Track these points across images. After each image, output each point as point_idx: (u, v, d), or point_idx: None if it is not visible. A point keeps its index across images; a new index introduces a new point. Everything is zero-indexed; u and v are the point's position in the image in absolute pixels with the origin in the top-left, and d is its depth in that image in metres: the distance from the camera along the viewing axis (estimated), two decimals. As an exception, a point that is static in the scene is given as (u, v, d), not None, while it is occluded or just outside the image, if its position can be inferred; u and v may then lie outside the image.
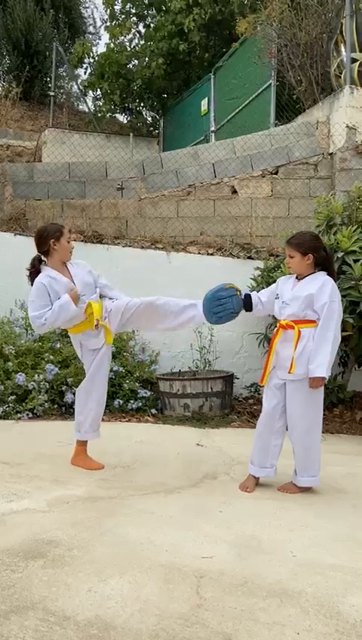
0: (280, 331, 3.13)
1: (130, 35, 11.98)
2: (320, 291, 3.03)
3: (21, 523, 2.61)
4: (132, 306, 3.51)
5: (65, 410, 5.01)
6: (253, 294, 3.32)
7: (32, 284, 3.37)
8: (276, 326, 3.22)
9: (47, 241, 3.38)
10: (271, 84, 8.07)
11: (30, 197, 7.00)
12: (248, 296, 3.28)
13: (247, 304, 3.26)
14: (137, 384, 5.26)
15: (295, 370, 3.03)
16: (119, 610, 1.89)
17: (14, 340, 5.32)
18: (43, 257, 3.45)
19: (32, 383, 4.95)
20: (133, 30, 11.97)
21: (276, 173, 6.71)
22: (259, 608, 1.93)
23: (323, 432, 3.41)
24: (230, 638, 1.76)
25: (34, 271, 3.41)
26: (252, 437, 3.29)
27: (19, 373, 4.98)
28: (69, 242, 3.46)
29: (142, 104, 12.23)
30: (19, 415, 4.87)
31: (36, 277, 3.38)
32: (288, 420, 3.15)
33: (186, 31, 10.28)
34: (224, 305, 3.21)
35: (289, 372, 3.04)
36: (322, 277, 3.10)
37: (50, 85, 11.29)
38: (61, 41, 11.87)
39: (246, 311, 3.28)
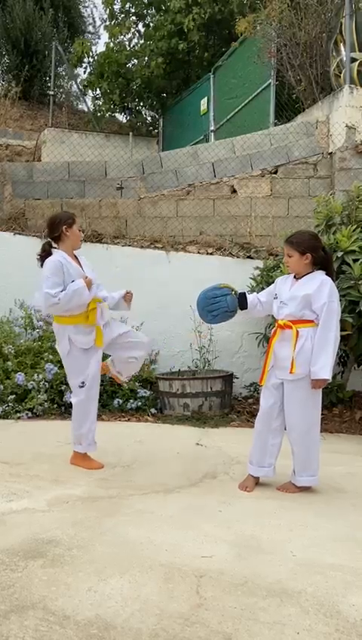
0: (278, 331, 3.14)
1: (130, 35, 11.97)
2: (319, 291, 3.02)
3: (21, 522, 2.61)
4: (124, 335, 3.59)
5: (65, 410, 5.00)
6: (251, 294, 3.33)
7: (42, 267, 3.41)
8: (275, 326, 3.22)
9: (59, 226, 3.44)
10: (270, 83, 8.07)
11: (29, 196, 6.99)
12: (243, 295, 3.28)
13: (242, 303, 3.26)
14: (137, 384, 5.26)
15: (296, 370, 3.03)
16: (119, 610, 1.89)
17: (14, 340, 5.32)
18: (54, 243, 3.49)
19: (32, 382, 4.95)
20: (133, 29, 11.96)
21: (275, 173, 6.71)
22: (259, 608, 1.93)
23: (322, 432, 3.41)
24: (230, 637, 1.76)
25: (44, 255, 3.43)
26: (251, 436, 3.29)
27: (19, 373, 4.98)
28: (80, 231, 3.52)
29: (141, 103, 12.21)
30: (18, 415, 4.87)
31: (43, 262, 3.41)
32: (286, 420, 3.15)
33: (186, 30, 10.27)
34: (219, 303, 3.21)
35: (290, 372, 3.04)
36: (320, 277, 3.09)
37: (49, 85, 11.27)
38: (60, 40, 11.85)
39: (242, 309, 3.27)
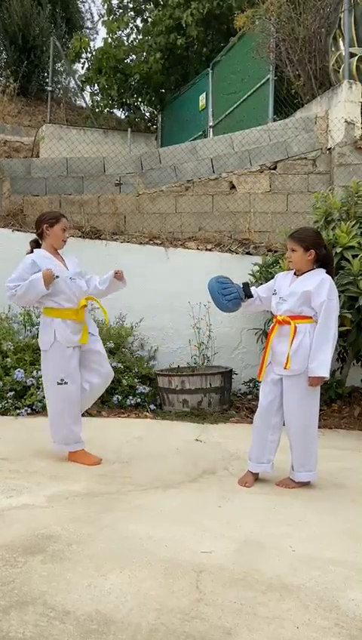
0: (277, 327, 3.14)
1: (128, 30, 11.94)
2: (319, 289, 3.03)
3: (20, 518, 2.61)
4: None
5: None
6: (251, 287, 3.33)
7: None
8: (273, 322, 3.23)
9: (40, 225, 3.58)
10: (269, 78, 8.05)
11: (28, 193, 6.98)
12: (246, 285, 3.30)
13: (247, 291, 3.27)
14: (136, 380, 5.26)
15: (291, 365, 3.04)
16: (119, 605, 1.89)
17: (13, 336, 5.32)
18: (40, 240, 3.63)
19: (31, 379, 4.95)
20: (131, 25, 11.92)
21: (274, 169, 6.69)
22: (259, 602, 1.94)
23: (321, 428, 3.42)
24: (229, 632, 1.76)
25: (30, 252, 3.61)
26: (250, 432, 3.29)
27: (18, 370, 4.97)
28: (64, 231, 3.57)
29: (139, 99, 12.18)
30: (18, 411, 4.87)
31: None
32: (285, 415, 3.15)
33: (184, 25, 10.24)
34: (230, 289, 3.23)
35: (284, 368, 3.05)
36: (321, 274, 3.10)
37: (47, 80, 11.23)
38: (58, 36, 11.81)
39: (247, 297, 3.27)
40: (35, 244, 3.63)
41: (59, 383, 3.46)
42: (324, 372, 2.99)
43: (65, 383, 3.46)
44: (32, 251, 3.60)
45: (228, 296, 3.21)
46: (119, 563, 2.19)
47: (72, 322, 3.48)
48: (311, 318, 3.07)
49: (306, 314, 3.08)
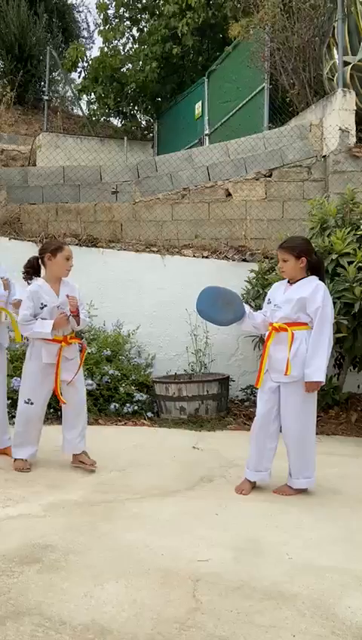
0: (273, 334, 3.15)
1: (124, 39, 12.01)
2: (313, 295, 3.06)
3: (17, 528, 2.60)
4: None
5: (61, 415, 4.98)
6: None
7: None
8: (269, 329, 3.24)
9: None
10: (264, 87, 8.11)
11: (24, 201, 7.00)
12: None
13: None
14: (133, 387, 5.25)
15: (291, 371, 3.04)
16: (115, 615, 1.89)
17: (9, 345, 5.31)
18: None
19: (28, 387, 4.94)
20: (127, 34, 12.00)
21: (270, 176, 6.73)
22: (256, 611, 1.93)
23: (318, 434, 3.42)
24: (226, 641, 1.76)
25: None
26: (248, 439, 3.29)
27: (15, 378, 4.96)
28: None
29: (136, 108, 12.23)
30: (14, 420, 4.85)
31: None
32: (282, 422, 3.16)
33: (180, 35, 10.30)
34: (235, 298, 3.25)
35: (285, 374, 3.05)
36: (314, 281, 3.13)
37: (44, 89, 11.28)
38: (55, 45, 11.88)
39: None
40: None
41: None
42: (320, 377, 3.00)
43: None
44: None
45: (236, 304, 3.21)
46: (116, 572, 2.19)
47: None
48: (306, 324, 3.09)
49: (302, 320, 3.09)
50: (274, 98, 8.20)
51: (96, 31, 12.49)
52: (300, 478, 3.15)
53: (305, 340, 3.07)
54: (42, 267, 3.61)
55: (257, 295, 5.21)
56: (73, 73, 12.35)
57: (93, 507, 2.90)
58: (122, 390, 5.15)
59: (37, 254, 3.64)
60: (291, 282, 3.20)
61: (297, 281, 3.17)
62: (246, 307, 3.26)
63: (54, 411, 5.07)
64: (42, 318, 3.46)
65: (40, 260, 3.59)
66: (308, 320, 3.09)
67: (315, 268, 3.19)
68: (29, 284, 3.59)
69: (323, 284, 3.12)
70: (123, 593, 2.03)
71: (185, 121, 10.57)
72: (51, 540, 2.47)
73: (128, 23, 11.97)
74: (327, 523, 2.74)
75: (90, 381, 4.94)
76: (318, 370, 3.00)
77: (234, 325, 3.34)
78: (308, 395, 3.09)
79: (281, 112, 8.18)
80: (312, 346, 3.03)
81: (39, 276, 3.62)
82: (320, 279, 3.16)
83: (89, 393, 4.57)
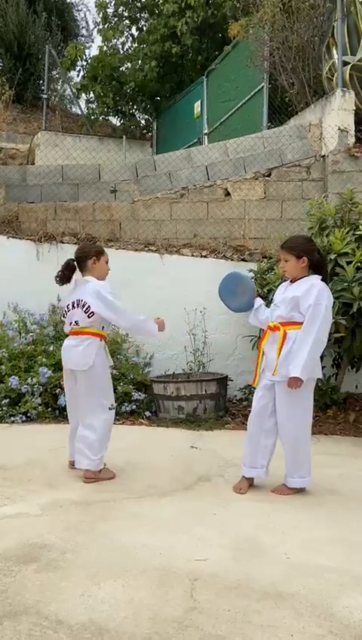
0: (268, 333, 3.16)
1: (123, 38, 12.00)
2: (307, 293, 3.03)
3: (14, 527, 2.60)
4: None
5: (59, 414, 4.99)
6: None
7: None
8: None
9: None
10: (263, 86, 8.11)
11: (23, 200, 6.98)
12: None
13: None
14: (131, 387, 5.25)
15: (278, 371, 3.04)
16: (113, 614, 1.89)
17: (7, 344, 5.30)
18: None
19: (26, 386, 4.93)
20: (126, 33, 11.99)
21: (269, 176, 6.73)
22: (253, 610, 1.93)
23: (316, 434, 3.42)
24: (224, 640, 1.75)
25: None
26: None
27: (13, 377, 4.96)
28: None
29: (135, 107, 12.24)
30: (12, 419, 4.86)
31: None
32: (277, 421, 3.15)
33: (179, 34, 10.30)
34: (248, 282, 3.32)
35: (272, 374, 3.06)
36: (313, 280, 3.11)
37: (42, 88, 11.26)
38: (54, 43, 11.86)
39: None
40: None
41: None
42: (297, 372, 2.95)
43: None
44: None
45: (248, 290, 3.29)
46: (113, 572, 2.19)
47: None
48: (301, 324, 3.06)
49: (296, 320, 3.07)
50: (273, 98, 8.21)
51: (96, 30, 12.47)
52: (294, 477, 3.14)
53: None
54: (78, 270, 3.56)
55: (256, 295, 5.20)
56: (72, 72, 12.37)
57: (91, 506, 2.90)
58: (120, 389, 5.15)
59: (72, 257, 3.58)
60: (292, 282, 3.20)
61: (297, 280, 3.16)
62: (258, 301, 3.31)
63: (52, 411, 5.08)
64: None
65: (78, 263, 3.54)
66: (302, 319, 3.07)
67: (318, 267, 3.17)
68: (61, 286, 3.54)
69: (323, 283, 3.10)
70: (120, 592, 2.03)
71: (184, 120, 10.57)
72: (49, 540, 2.46)
73: (127, 21, 11.97)
74: (325, 523, 2.74)
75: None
76: (297, 367, 2.95)
77: (250, 317, 3.39)
78: (302, 394, 3.06)
79: (280, 112, 8.19)
80: (298, 343, 3.01)
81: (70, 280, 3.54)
82: (323, 278, 3.13)
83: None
